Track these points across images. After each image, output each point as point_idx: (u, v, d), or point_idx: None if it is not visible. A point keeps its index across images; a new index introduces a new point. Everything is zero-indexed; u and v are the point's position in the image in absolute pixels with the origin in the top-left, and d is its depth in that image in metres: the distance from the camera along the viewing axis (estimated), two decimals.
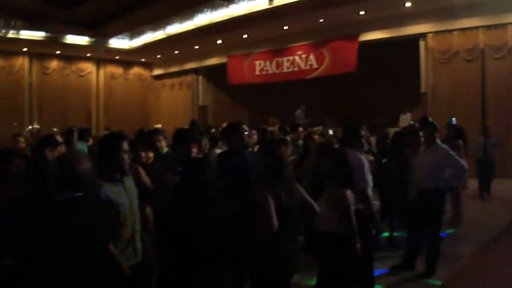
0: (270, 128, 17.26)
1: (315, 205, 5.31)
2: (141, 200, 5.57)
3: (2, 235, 4.26)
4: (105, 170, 4.68)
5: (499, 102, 18.72)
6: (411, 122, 17.43)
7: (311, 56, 24.14)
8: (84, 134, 13.36)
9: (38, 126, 28.47)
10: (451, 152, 7.77)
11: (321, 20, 21.74)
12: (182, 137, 6.34)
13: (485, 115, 18.97)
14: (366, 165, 6.52)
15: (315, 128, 17.39)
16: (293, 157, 8.49)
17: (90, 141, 13.83)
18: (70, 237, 3.69)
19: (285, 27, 23.21)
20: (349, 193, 5.47)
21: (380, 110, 21.74)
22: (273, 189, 4.96)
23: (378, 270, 7.53)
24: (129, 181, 4.95)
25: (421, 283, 7.41)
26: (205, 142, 8.67)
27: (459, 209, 11.24)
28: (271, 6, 19.44)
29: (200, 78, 32.40)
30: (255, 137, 11.03)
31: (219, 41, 26.76)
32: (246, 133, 6.96)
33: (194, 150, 6.19)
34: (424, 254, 7.80)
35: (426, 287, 7.31)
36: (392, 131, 15.93)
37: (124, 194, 4.75)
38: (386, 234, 8.62)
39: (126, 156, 4.81)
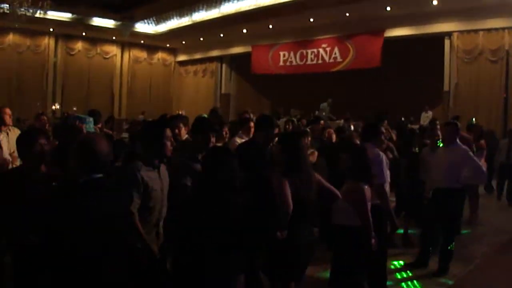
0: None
1: (336, 191, 5.37)
2: None
3: (28, 213, 4.38)
4: (146, 155, 4.82)
5: None
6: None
7: (336, 49, 24.09)
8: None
9: (58, 106, 28.61)
10: (470, 153, 7.77)
11: (347, 14, 21.69)
12: (200, 125, 6.36)
13: (508, 117, 18.86)
14: (385, 161, 6.54)
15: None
16: (312, 150, 8.48)
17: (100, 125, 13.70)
18: (90, 218, 3.77)
19: (311, 19, 23.17)
20: (366, 188, 5.51)
21: (403, 106, 21.70)
22: (291, 180, 5.02)
23: (392, 267, 7.58)
24: (164, 169, 5.05)
25: (433, 281, 7.41)
26: (226, 130, 8.67)
27: (476, 209, 11.25)
28: None
29: (224, 66, 32.44)
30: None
31: (244, 30, 26.78)
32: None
33: (213, 139, 6.21)
34: (438, 253, 7.80)
35: (437, 286, 7.30)
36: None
37: (159, 181, 4.85)
38: (400, 231, 8.62)
39: (168, 143, 4.92)
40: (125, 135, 21.24)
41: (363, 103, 23.08)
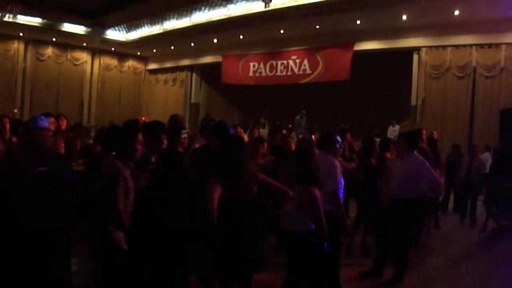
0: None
1: (286, 189, 5.35)
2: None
3: None
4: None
5: (486, 121, 18.79)
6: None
7: (305, 61, 24.17)
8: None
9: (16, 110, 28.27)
10: (427, 165, 7.81)
11: (317, 27, 21.78)
12: (153, 128, 6.41)
13: (473, 133, 19.06)
14: (339, 168, 6.58)
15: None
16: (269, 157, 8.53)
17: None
18: (31, 210, 3.75)
19: (281, 31, 23.23)
20: (318, 192, 5.52)
21: (371, 119, 21.92)
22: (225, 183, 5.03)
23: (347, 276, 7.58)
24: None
25: None
26: (184, 136, 8.65)
27: (429, 221, 11.41)
28: (267, 9, 19.37)
29: (194, 75, 32.37)
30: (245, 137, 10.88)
31: (215, 40, 26.80)
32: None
33: (165, 141, 6.25)
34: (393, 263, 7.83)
35: None
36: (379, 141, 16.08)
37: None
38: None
39: (139, 147, 5.07)
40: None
41: (333, 114, 23.28)
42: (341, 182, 6.57)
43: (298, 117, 23.27)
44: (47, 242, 3.91)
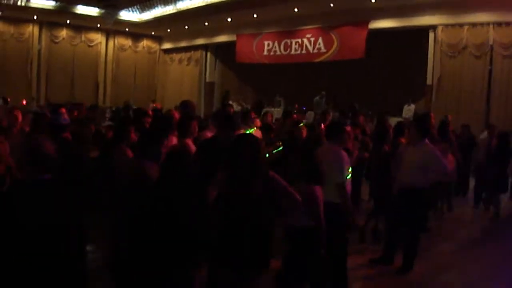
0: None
1: (295, 196, 5.32)
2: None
3: None
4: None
5: (503, 100, 18.55)
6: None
7: (320, 40, 23.96)
8: None
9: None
10: (437, 153, 7.71)
11: (331, 5, 21.56)
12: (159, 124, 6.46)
13: (490, 112, 18.82)
14: (346, 159, 6.53)
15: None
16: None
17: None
18: (32, 219, 3.75)
19: (296, 9, 23.07)
20: (318, 188, 5.50)
21: (386, 98, 21.74)
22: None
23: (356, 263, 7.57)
24: None
25: (397, 278, 7.46)
26: (194, 125, 8.60)
27: (443, 205, 11.35)
28: None
29: (209, 54, 32.27)
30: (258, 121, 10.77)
31: (229, 19, 26.68)
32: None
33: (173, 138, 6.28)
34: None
35: (401, 282, 7.35)
36: (394, 120, 15.93)
37: None
38: None
39: None
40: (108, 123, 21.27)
41: (347, 93, 23.10)
42: (348, 174, 6.52)
43: (317, 98, 23.09)
44: (51, 251, 3.92)
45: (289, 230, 5.66)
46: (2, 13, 23.52)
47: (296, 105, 23.04)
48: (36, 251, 3.76)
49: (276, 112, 20.22)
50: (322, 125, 9.77)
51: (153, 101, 28.12)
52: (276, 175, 5.20)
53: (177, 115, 9.39)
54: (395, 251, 7.94)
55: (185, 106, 10.46)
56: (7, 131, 8.16)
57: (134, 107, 24.98)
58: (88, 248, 4.40)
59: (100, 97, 33.23)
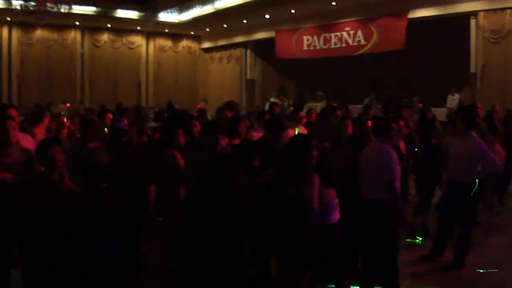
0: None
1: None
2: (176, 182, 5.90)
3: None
4: None
5: None
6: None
7: (359, 33, 23.79)
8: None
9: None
10: (484, 147, 7.61)
11: None
12: (208, 128, 6.52)
13: None
14: (394, 157, 6.49)
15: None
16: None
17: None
18: (89, 229, 3.87)
19: (333, 3, 22.98)
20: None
21: (429, 88, 21.52)
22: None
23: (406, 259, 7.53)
24: None
25: (447, 274, 7.38)
26: (242, 126, 8.63)
27: (495, 197, 11.18)
28: None
29: (248, 51, 32.36)
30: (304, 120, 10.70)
31: (267, 16, 26.70)
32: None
33: (222, 142, 6.35)
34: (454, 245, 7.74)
35: (452, 279, 7.28)
36: (439, 111, 15.81)
37: None
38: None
39: None
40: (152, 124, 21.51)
41: (388, 86, 22.96)
42: (397, 172, 6.49)
43: (366, 100, 22.77)
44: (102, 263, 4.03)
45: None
46: (46, 20, 24.02)
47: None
48: (91, 260, 3.89)
49: (319, 107, 20.17)
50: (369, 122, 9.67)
51: (204, 101, 28.19)
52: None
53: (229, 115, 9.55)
54: (445, 246, 7.87)
55: (231, 107, 10.57)
56: (58, 138, 8.33)
57: (177, 106, 25.30)
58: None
59: (143, 98, 33.74)
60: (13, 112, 7.80)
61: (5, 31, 29.86)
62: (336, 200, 5.73)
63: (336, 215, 5.72)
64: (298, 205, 5.16)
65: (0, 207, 5.40)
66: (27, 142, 6.97)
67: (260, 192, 5.39)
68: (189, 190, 6.27)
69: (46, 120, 8.82)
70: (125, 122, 8.34)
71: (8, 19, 28.16)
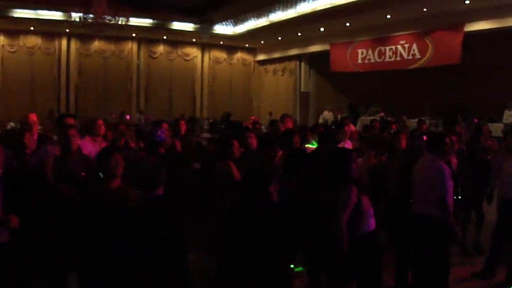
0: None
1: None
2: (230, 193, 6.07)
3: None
4: None
5: None
6: None
7: (414, 46, 23.59)
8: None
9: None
10: None
11: (424, 9, 21.26)
12: (264, 143, 6.66)
13: None
14: (447, 172, 6.50)
15: None
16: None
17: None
18: (149, 237, 4.05)
19: (388, 16, 22.89)
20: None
21: (485, 103, 21.17)
22: None
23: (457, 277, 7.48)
24: None
25: None
26: (296, 139, 8.73)
27: None
28: None
29: (303, 64, 32.42)
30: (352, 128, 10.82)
31: (322, 29, 26.78)
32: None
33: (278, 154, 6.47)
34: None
35: None
36: (495, 126, 15.58)
37: None
38: None
39: None
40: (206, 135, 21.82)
41: (442, 100, 22.69)
42: (450, 187, 6.50)
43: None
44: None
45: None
46: (103, 32, 24.64)
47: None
48: (148, 267, 4.06)
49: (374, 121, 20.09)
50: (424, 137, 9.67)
51: (270, 113, 28.27)
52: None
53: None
54: (497, 264, 7.79)
55: (284, 119, 10.74)
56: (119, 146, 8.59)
57: (232, 118, 25.55)
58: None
59: (197, 109, 34.09)
60: (71, 121, 8.02)
61: (64, 42, 30.59)
62: (372, 209, 5.79)
63: (373, 223, 5.78)
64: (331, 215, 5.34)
65: (58, 215, 5.63)
66: (88, 149, 7.24)
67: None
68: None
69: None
70: (165, 134, 8.54)
71: (67, 30, 28.83)
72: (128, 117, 26.79)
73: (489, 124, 16.33)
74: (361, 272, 5.52)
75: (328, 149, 7.00)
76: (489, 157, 9.18)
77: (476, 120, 19.04)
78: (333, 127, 15.38)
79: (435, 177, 6.31)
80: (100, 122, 8.80)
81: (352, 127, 11.38)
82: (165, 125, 9.97)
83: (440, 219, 6.17)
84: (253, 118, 23.68)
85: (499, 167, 7.98)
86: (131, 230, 4.25)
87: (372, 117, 22.15)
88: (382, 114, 23.99)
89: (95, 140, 8.26)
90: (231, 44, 34.25)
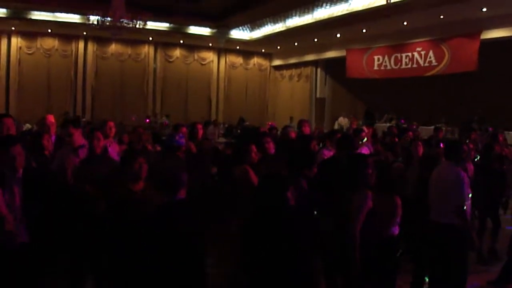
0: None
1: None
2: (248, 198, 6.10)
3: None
4: None
5: None
6: None
7: (431, 53, 23.52)
8: None
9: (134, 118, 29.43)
10: None
11: (441, 16, 21.22)
12: (281, 148, 6.71)
13: None
14: (466, 180, 6.52)
15: None
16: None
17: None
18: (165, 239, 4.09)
19: (405, 23, 22.87)
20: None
21: (501, 112, 21.07)
22: None
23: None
24: None
25: None
26: (314, 145, 8.76)
27: None
28: (388, 3, 19.20)
29: (319, 70, 32.47)
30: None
31: (338, 35, 26.80)
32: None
33: None
34: None
35: None
36: (511, 135, 15.50)
37: None
38: None
39: None
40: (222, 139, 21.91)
41: (459, 108, 22.61)
42: (468, 196, 6.51)
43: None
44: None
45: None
46: (121, 35, 24.81)
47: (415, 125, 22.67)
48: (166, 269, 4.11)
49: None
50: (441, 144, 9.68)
51: (291, 118, 28.25)
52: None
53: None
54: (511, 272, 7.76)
55: (301, 124, 10.78)
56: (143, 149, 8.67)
57: (246, 123, 25.62)
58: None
59: (213, 113, 34.19)
60: (51, 119, 8.04)
61: (81, 44, 30.83)
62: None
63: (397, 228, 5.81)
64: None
65: (78, 217, 5.70)
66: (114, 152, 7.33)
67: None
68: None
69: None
70: (182, 140, 8.56)
71: (85, 33, 29.05)
72: (148, 120, 27.01)
73: (506, 132, 16.26)
74: (378, 276, 5.56)
75: (345, 155, 7.02)
76: (504, 166, 9.17)
77: (491, 129, 18.99)
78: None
79: (453, 185, 6.33)
80: (111, 124, 8.89)
81: (368, 130, 11.36)
82: (184, 129, 10.04)
83: (458, 227, 6.18)
84: (270, 123, 23.76)
85: None
86: (152, 233, 4.30)
87: (388, 124, 22.19)
88: (396, 120, 23.96)
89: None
90: (247, 49, 34.35)
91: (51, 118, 8.85)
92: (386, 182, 5.87)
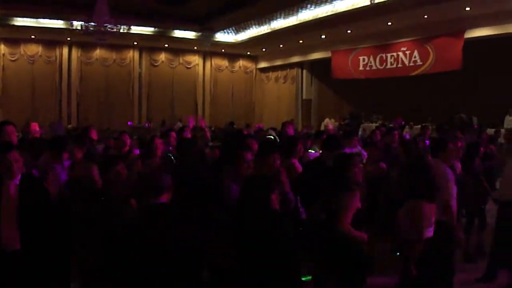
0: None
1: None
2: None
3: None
4: None
5: None
6: None
7: (415, 53, 23.65)
8: None
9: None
10: None
11: (425, 16, 21.31)
12: (262, 148, 6.70)
13: None
14: (452, 176, 6.55)
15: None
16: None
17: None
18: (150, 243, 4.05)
19: (389, 23, 22.94)
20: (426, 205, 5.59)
21: (486, 109, 21.18)
22: None
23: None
24: None
25: None
26: (300, 146, 8.71)
27: None
28: (372, 4, 19.28)
29: (305, 71, 32.62)
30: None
31: (323, 36, 26.85)
32: None
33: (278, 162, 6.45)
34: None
35: None
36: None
37: None
38: None
39: None
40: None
41: (444, 106, 22.70)
42: (454, 191, 6.53)
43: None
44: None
45: None
46: (105, 41, 24.71)
47: (403, 122, 22.77)
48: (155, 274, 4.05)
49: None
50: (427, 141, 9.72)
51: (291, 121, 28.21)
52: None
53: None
54: (499, 268, 7.72)
55: (287, 127, 10.77)
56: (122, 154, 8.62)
57: (234, 126, 25.58)
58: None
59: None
60: (11, 128, 7.84)
61: (65, 50, 30.68)
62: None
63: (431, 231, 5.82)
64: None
65: (54, 221, 5.65)
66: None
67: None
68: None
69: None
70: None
71: (69, 39, 28.97)
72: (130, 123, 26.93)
73: (490, 129, 16.33)
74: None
75: (332, 155, 7.00)
76: (489, 163, 9.19)
77: (476, 126, 19.09)
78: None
79: (440, 181, 6.32)
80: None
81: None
82: (173, 134, 9.99)
83: (445, 223, 6.18)
84: (257, 125, 23.80)
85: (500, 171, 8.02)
86: (133, 238, 4.21)
87: (374, 124, 22.27)
88: (382, 121, 24.03)
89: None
90: (232, 52, 34.41)
91: (35, 126, 8.80)
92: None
